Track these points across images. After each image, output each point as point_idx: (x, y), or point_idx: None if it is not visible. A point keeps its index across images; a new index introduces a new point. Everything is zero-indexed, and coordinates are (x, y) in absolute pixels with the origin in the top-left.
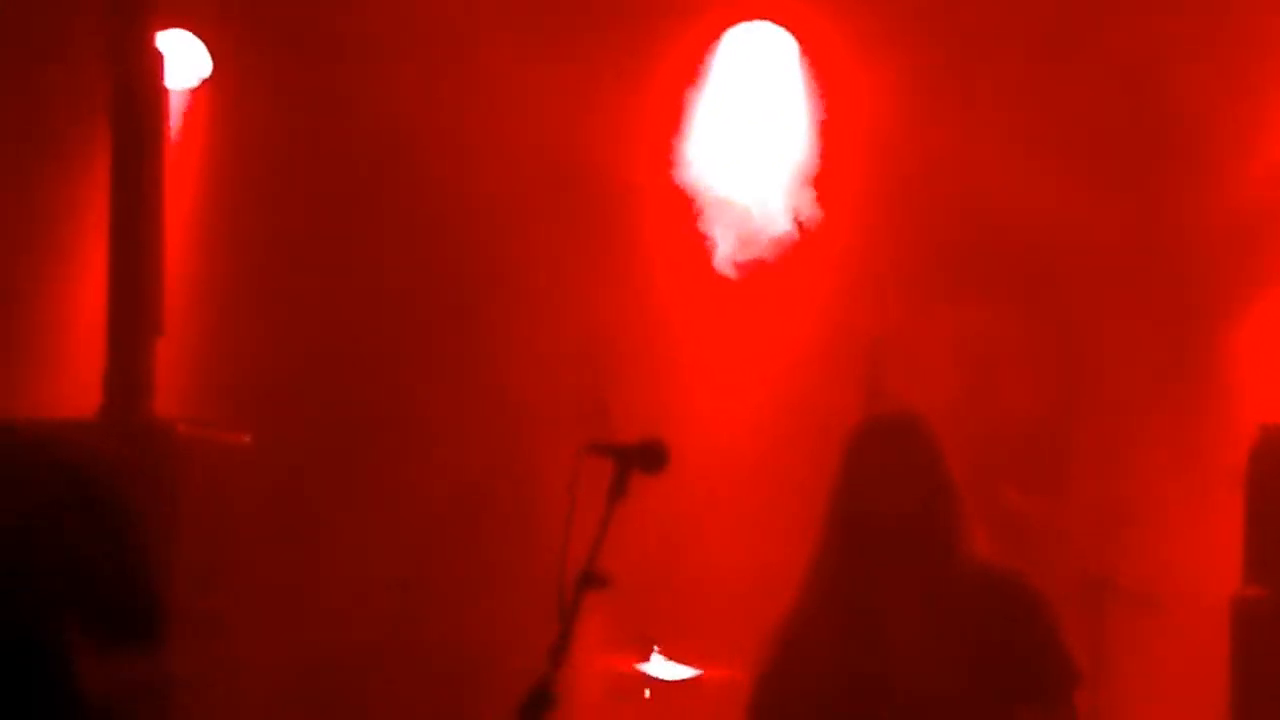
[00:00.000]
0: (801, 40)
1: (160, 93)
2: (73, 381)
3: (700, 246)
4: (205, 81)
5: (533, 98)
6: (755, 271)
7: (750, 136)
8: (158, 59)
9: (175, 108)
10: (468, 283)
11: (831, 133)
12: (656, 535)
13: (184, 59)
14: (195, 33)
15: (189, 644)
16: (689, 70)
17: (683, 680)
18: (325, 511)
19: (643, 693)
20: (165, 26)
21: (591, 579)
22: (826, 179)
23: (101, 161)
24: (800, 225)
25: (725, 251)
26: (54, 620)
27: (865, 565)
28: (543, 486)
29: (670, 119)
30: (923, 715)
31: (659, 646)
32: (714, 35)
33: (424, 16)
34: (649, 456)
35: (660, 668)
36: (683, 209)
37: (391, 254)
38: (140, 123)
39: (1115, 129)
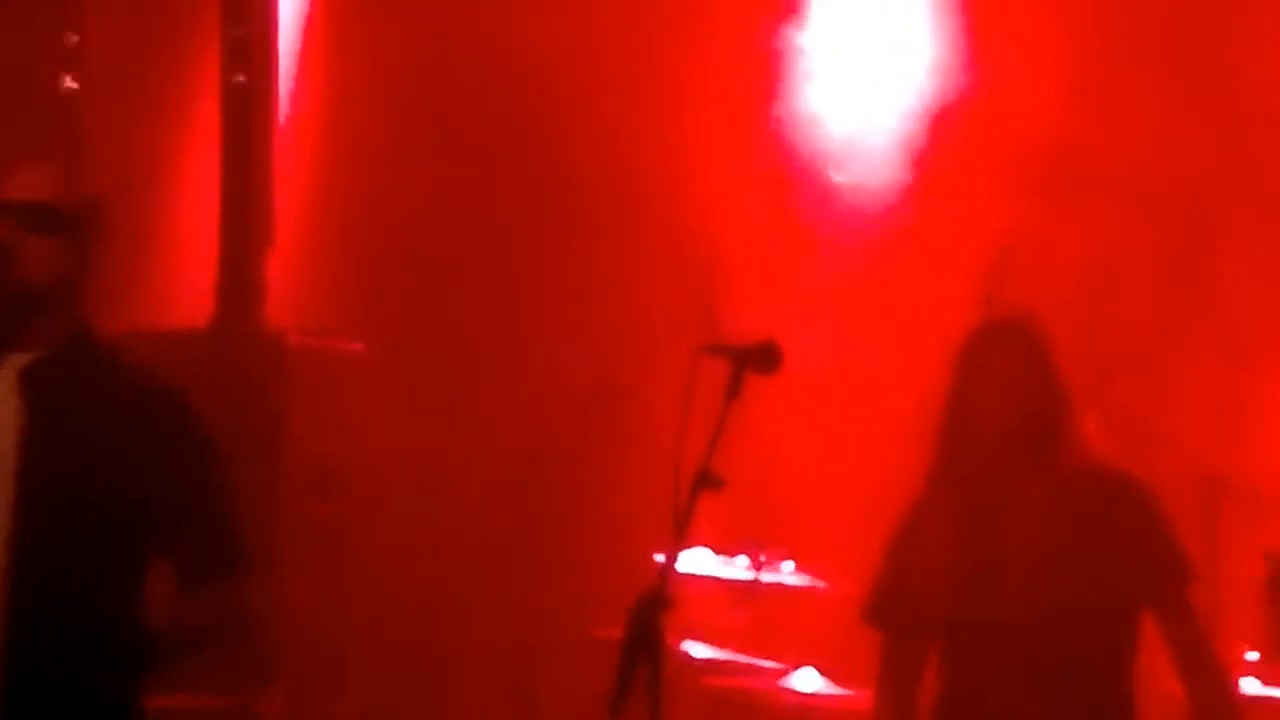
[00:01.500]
0: None
1: None
2: (189, 292)
3: (817, 164)
4: None
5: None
6: (877, 184)
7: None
8: None
9: (290, 12)
10: (582, 194)
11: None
12: (773, 439)
13: None
14: None
15: (306, 551)
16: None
17: (797, 588)
18: (441, 421)
19: (757, 599)
20: None
21: (706, 480)
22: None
23: (212, 68)
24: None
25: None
26: (139, 548)
27: (979, 469)
28: (658, 389)
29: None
30: (1038, 617)
31: (773, 553)
32: None
33: None
34: (764, 357)
35: (775, 575)
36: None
37: (506, 165)
38: (251, 27)
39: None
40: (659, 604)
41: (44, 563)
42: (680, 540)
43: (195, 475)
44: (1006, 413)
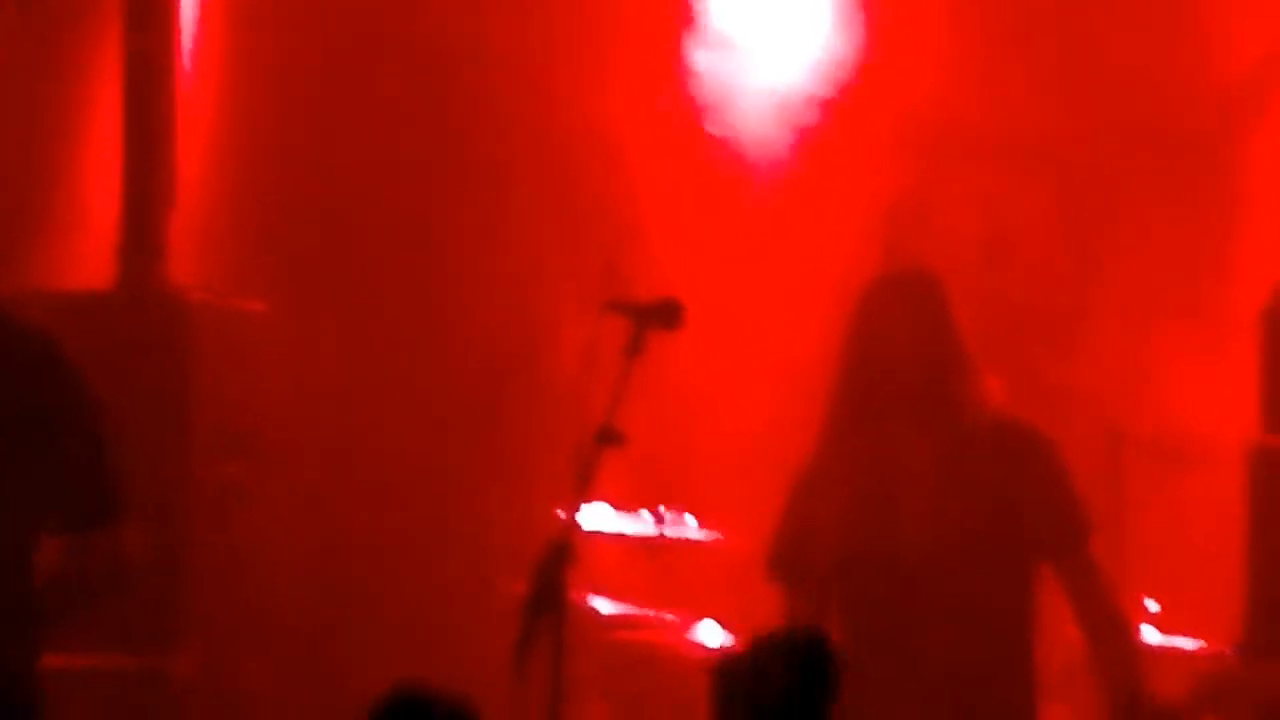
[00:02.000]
0: None
1: None
2: (90, 253)
3: (718, 121)
4: None
5: None
6: (773, 145)
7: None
8: None
9: None
10: (488, 152)
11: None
12: (673, 395)
13: None
14: None
15: (209, 511)
16: None
17: (700, 543)
18: (349, 380)
19: (660, 554)
20: None
21: (608, 436)
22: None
23: (115, 27)
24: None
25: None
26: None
27: (877, 421)
28: (565, 347)
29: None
30: (937, 569)
31: (675, 507)
32: None
33: None
34: (665, 314)
35: (678, 530)
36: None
37: (412, 124)
38: None
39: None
40: (562, 559)
41: None
42: (583, 496)
43: (68, 424)
44: (903, 363)
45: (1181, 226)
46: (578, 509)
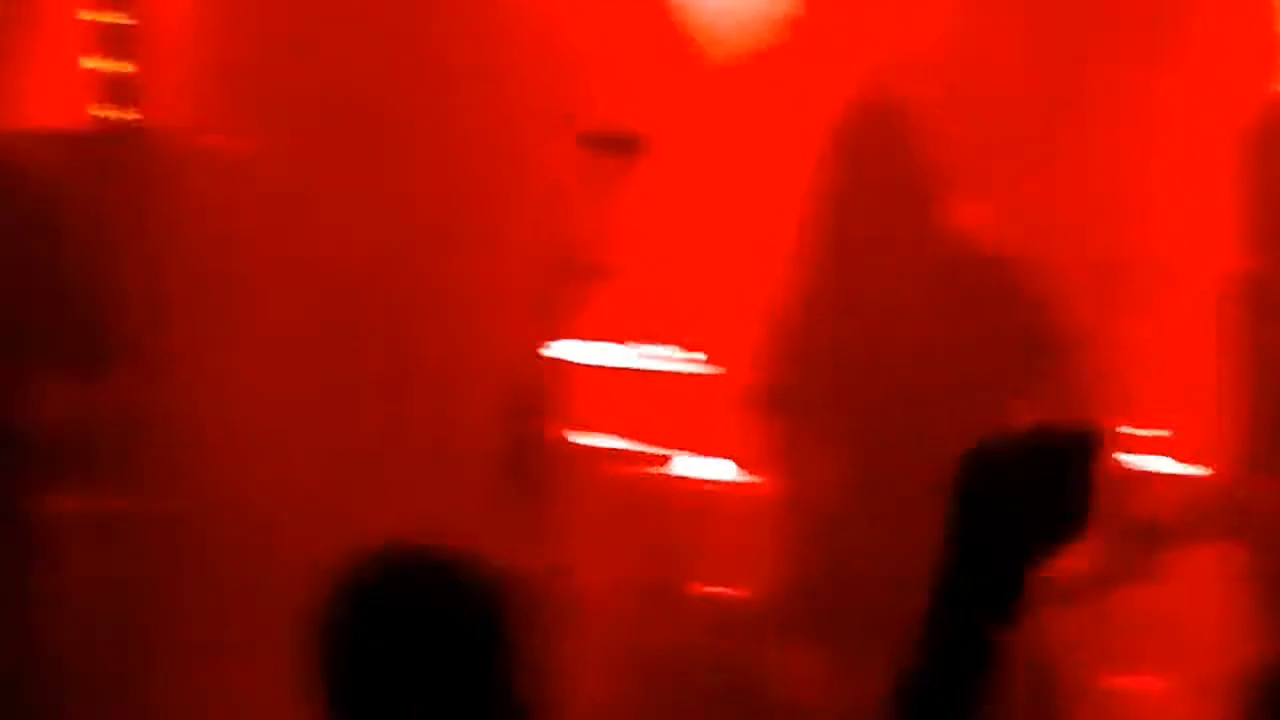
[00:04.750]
0: None
1: None
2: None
3: None
4: None
5: None
6: None
7: None
8: None
9: None
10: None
11: None
12: (659, 228)
13: None
14: None
15: (193, 351)
16: None
17: (692, 375)
18: (326, 217)
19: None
20: None
21: (586, 268)
22: None
23: None
24: None
25: None
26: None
27: (852, 246)
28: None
29: None
30: (924, 397)
31: (660, 339)
32: None
33: None
34: (627, 145)
35: (667, 362)
36: None
37: None
38: None
39: None
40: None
41: None
42: (559, 330)
43: (52, 271)
44: (882, 191)
45: (1152, 63)
46: (556, 343)
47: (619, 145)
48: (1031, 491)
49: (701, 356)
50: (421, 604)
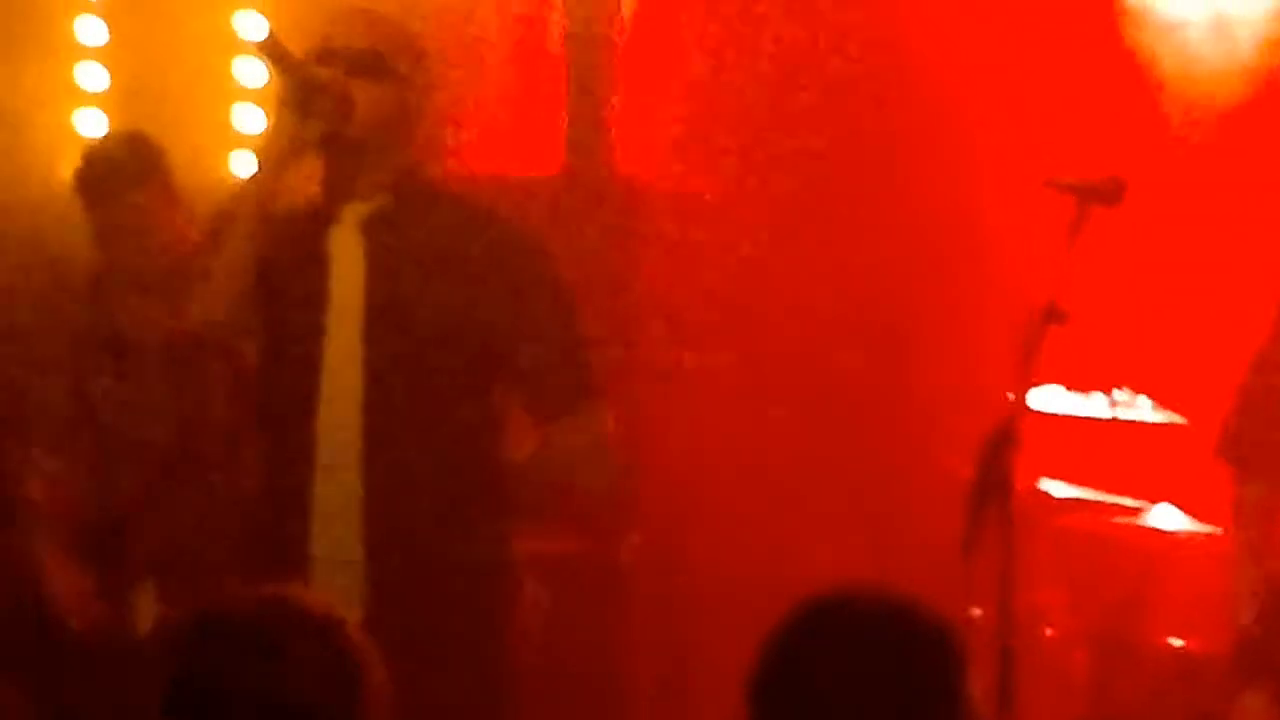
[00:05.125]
0: None
1: None
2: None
3: None
4: None
5: None
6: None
7: None
8: None
9: None
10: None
11: None
12: (1122, 273)
13: None
14: None
15: (654, 398)
16: None
17: (1155, 424)
18: (793, 263)
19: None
20: None
21: (1053, 314)
22: None
23: None
24: None
25: None
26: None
27: None
28: (1006, 227)
29: None
30: None
31: (1129, 388)
32: None
33: None
34: (1109, 191)
35: (1132, 411)
36: None
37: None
38: None
39: None
40: (1008, 442)
41: (397, 411)
42: (1030, 376)
43: (541, 308)
44: None
45: None
46: (1025, 390)
47: (1094, 191)
48: None
49: (1150, 404)
50: (866, 651)
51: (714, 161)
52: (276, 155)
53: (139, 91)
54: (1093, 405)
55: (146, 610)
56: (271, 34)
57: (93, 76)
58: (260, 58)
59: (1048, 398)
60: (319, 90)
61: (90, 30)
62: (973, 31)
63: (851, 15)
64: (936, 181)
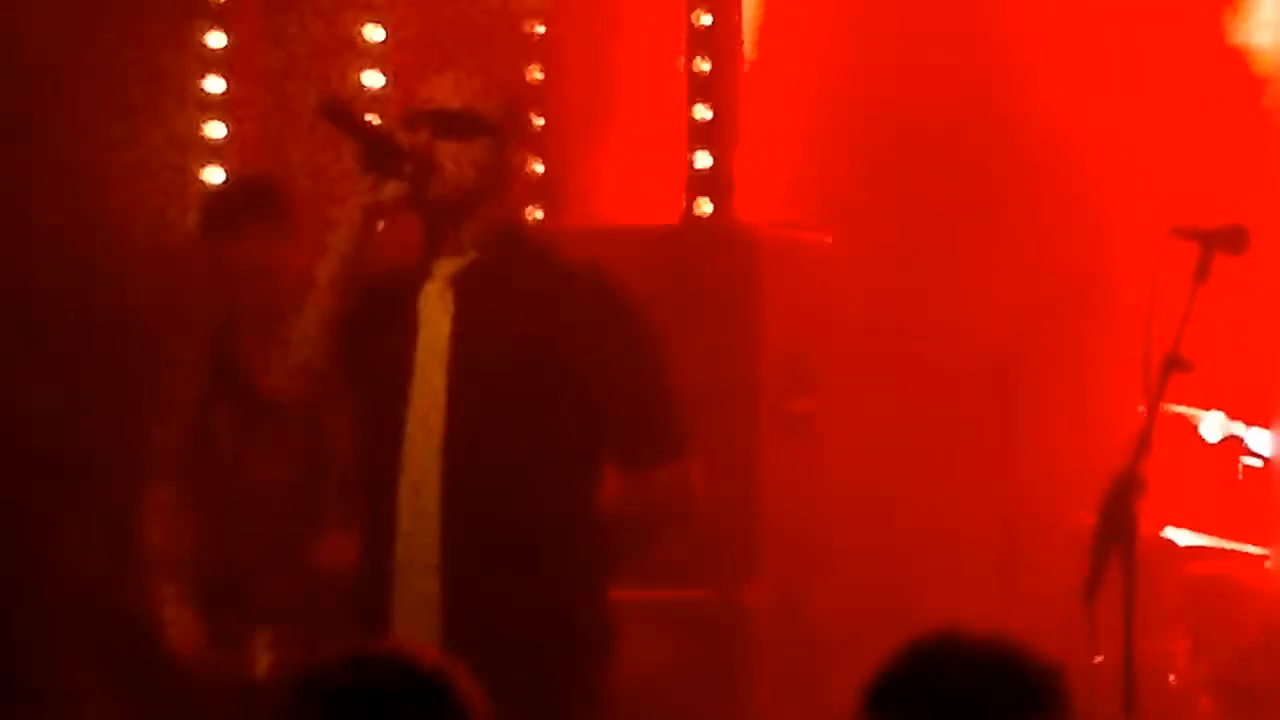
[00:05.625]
0: None
1: None
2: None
3: None
4: None
5: None
6: None
7: None
8: None
9: None
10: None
11: None
12: (1244, 320)
13: None
14: None
15: (778, 445)
16: None
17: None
18: (909, 313)
19: (1239, 481)
20: None
21: (1176, 363)
22: None
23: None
24: None
25: None
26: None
27: None
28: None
29: None
30: None
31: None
32: None
33: None
34: (1232, 239)
35: (1258, 456)
36: None
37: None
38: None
39: None
40: (1132, 489)
41: (481, 464)
42: (1151, 424)
43: (632, 361)
44: None
45: None
46: (1146, 434)
47: (1218, 239)
48: None
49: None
50: (970, 689)
51: (833, 209)
52: (357, 219)
53: (263, 145)
54: (1219, 452)
55: (263, 657)
56: (337, 101)
57: (217, 130)
58: (329, 121)
59: (1170, 442)
60: (397, 155)
61: (214, 85)
62: (1098, 78)
63: (973, 61)
64: (1059, 228)
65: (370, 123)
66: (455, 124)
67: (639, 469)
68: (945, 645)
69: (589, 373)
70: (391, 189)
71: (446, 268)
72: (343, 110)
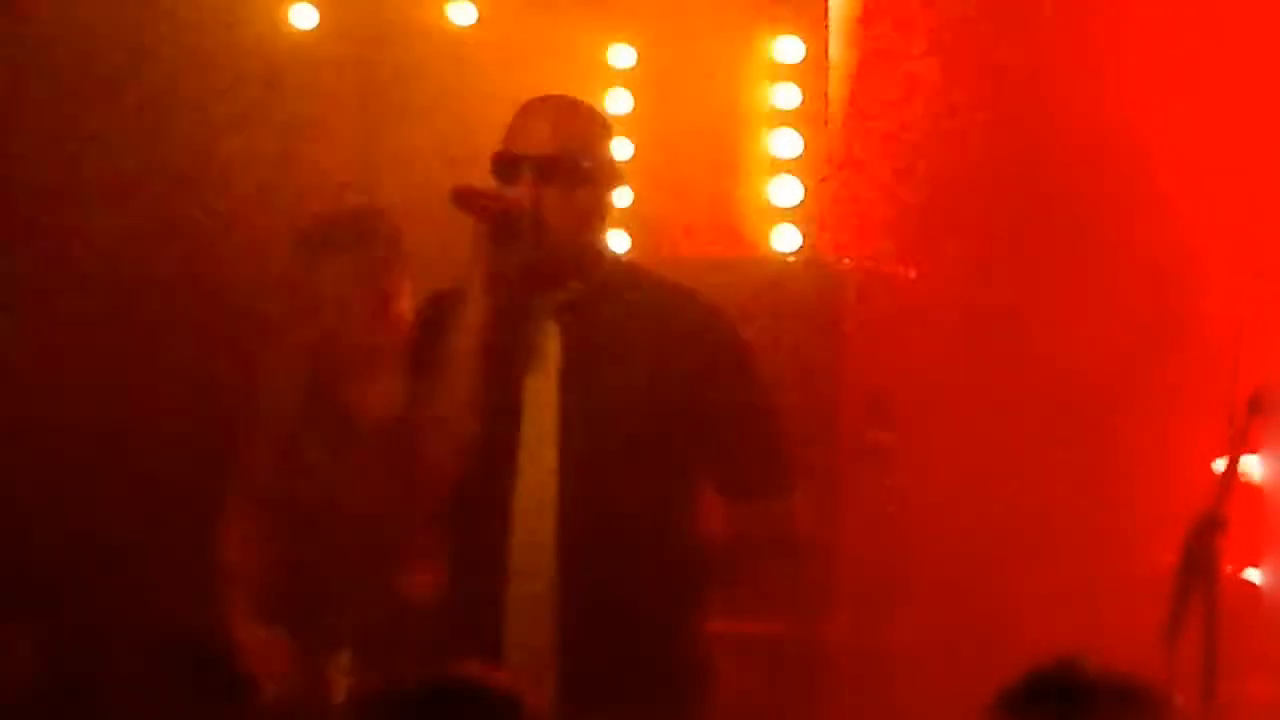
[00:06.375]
0: None
1: None
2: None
3: None
4: None
5: None
6: None
7: None
8: None
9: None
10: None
11: None
12: None
13: None
14: None
15: (858, 478)
16: None
17: None
18: (993, 349)
19: None
20: None
21: (1259, 404)
22: None
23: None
24: None
25: None
26: (687, 469)
27: None
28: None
29: None
30: None
31: None
32: None
33: None
34: None
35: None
36: None
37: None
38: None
39: None
40: (1214, 528)
41: (593, 495)
42: (1236, 463)
43: (738, 392)
44: None
45: None
46: (1232, 476)
47: None
48: None
49: None
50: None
51: (916, 244)
52: (481, 285)
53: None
54: None
55: (340, 681)
56: (465, 188)
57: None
58: (460, 208)
59: (1255, 480)
60: (514, 221)
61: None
62: (1190, 114)
63: (1061, 95)
64: (1147, 266)
65: (493, 198)
66: (555, 170)
67: (747, 500)
68: (1068, 671)
69: (701, 401)
70: (512, 256)
71: (550, 300)
72: (471, 197)
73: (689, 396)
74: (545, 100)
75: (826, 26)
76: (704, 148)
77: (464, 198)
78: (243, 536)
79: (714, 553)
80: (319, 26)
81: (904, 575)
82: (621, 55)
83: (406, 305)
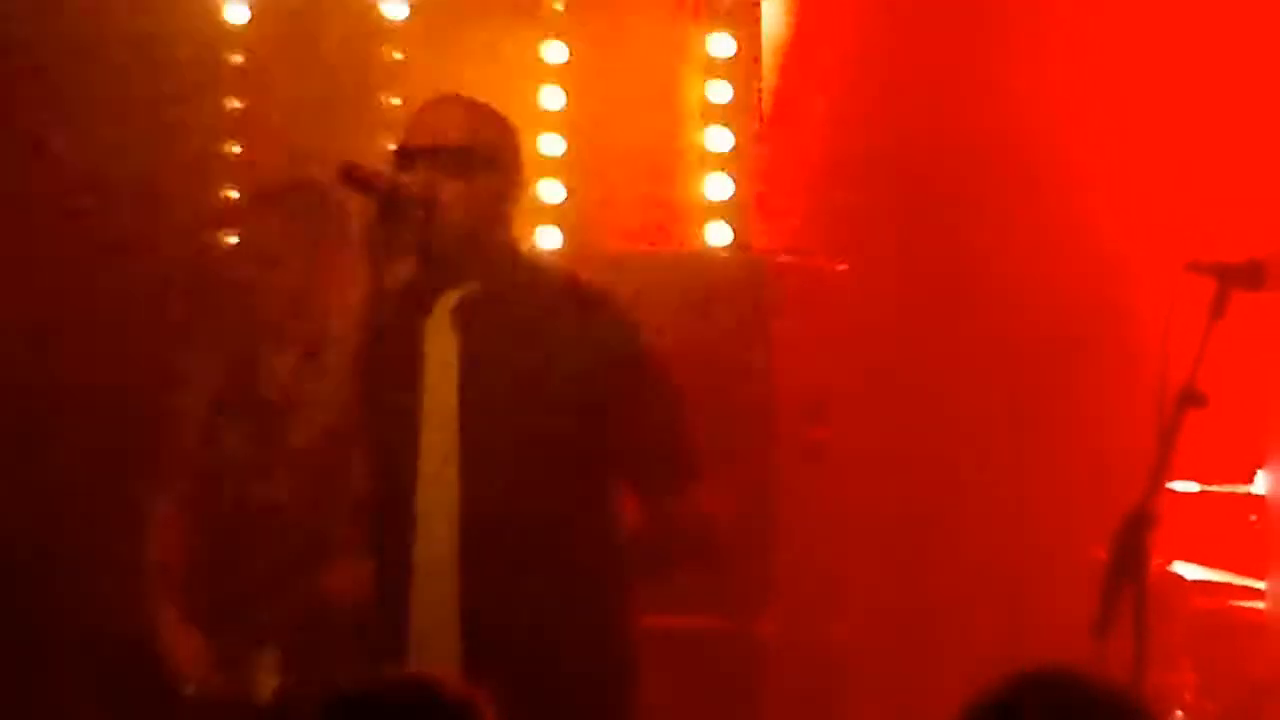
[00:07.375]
0: None
1: None
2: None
3: None
4: None
5: None
6: None
7: None
8: None
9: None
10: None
11: None
12: (1259, 356)
13: None
14: None
15: (794, 473)
16: None
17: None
18: (923, 342)
19: (1248, 516)
20: None
21: (1191, 398)
22: None
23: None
24: None
25: None
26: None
27: None
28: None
29: None
30: None
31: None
32: None
33: None
34: (1250, 274)
35: (1270, 493)
36: None
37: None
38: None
39: None
40: (1144, 524)
41: (494, 495)
42: (1166, 460)
43: (637, 392)
44: None
45: None
46: (1162, 472)
47: (1235, 274)
48: None
49: None
50: None
51: (847, 238)
52: (372, 267)
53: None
54: (1227, 487)
55: (266, 680)
56: (350, 164)
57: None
58: (346, 186)
59: (1181, 479)
60: (406, 202)
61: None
62: (1115, 112)
63: (988, 92)
64: (1076, 261)
65: (381, 176)
66: (455, 161)
67: (653, 498)
68: (1056, 677)
69: (598, 402)
70: (404, 236)
71: (447, 301)
72: (357, 172)
73: (586, 397)
74: (444, 98)
75: (759, 22)
76: (636, 144)
77: (350, 174)
78: (163, 533)
79: (631, 551)
80: (251, 21)
81: (838, 570)
82: (554, 51)
83: (354, 295)
